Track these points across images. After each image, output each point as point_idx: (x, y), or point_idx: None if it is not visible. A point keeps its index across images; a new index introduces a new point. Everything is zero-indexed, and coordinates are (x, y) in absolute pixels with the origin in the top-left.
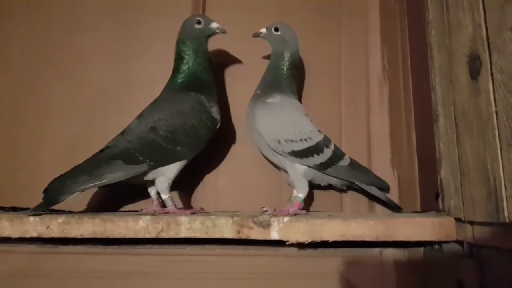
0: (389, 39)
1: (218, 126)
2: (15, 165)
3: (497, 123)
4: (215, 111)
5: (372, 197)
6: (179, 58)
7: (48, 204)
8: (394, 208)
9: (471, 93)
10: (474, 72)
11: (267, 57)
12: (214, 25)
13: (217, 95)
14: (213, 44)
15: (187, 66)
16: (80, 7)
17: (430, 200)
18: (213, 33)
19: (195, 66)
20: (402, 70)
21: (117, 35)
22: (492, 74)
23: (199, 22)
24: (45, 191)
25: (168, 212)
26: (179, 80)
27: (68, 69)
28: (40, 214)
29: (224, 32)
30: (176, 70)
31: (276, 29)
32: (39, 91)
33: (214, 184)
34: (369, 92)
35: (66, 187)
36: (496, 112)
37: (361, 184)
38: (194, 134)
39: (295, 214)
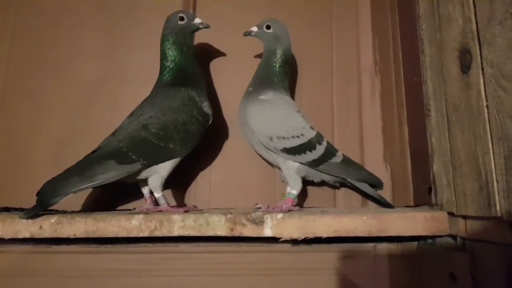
0: (380, 33)
1: (210, 122)
2: (6, 164)
3: (488, 117)
4: (206, 106)
5: (365, 195)
6: (164, 55)
7: (41, 206)
8: (386, 205)
9: (462, 87)
10: (465, 66)
11: (259, 53)
12: (197, 20)
13: (206, 90)
14: (204, 40)
15: (173, 63)
16: (70, 2)
17: (423, 194)
18: (196, 28)
19: (182, 61)
20: (393, 64)
21: (107, 31)
22: (482, 68)
23: (182, 19)
24: (38, 194)
25: (161, 211)
26: (168, 78)
27: (59, 66)
28: (33, 217)
29: (207, 27)
30: (163, 67)
31: (268, 27)
32: (30, 88)
33: (207, 182)
34: (361, 86)
35: (58, 189)
36: (487, 106)
37: (353, 181)
38: (185, 130)
39: (289, 211)
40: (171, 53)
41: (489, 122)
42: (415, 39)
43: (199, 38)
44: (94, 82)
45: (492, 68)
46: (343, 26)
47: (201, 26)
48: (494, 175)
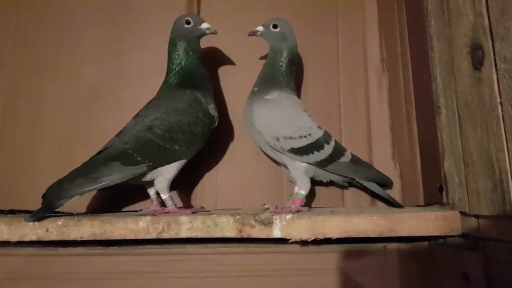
0: (387, 30)
1: (216, 123)
2: (11, 167)
3: (502, 114)
4: (212, 108)
5: (373, 194)
6: (171, 58)
7: (47, 209)
8: (395, 205)
9: (473, 83)
10: (477, 62)
11: (264, 53)
12: (204, 25)
13: (213, 92)
14: (208, 41)
15: (179, 66)
16: (71, 3)
17: (433, 193)
18: (203, 33)
19: (187, 65)
20: (401, 61)
21: (109, 32)
22: (495, 64)
23: (188, 22)
24: (43, 196)
25: (168, 212)
26: (174, 80)
27: (61, 68)
28: (39, 220)
29: (214, 33)
30: (169, 70)
31: (275, 26)
32: (32, 90)
33: (213, 182)
34: (368, 84)
35: (64, 192)
36: (500, 103)
37: (362, 181)
38: (191, 132)
39: (297, 211)
40: (177, 56)
41: (503, 118)
42: (424, 35)
43: (203, 39)
44: (97, 84)
45: (505, 64)
46: (349, 23)
47: (207, 32)
48: (509, 173)
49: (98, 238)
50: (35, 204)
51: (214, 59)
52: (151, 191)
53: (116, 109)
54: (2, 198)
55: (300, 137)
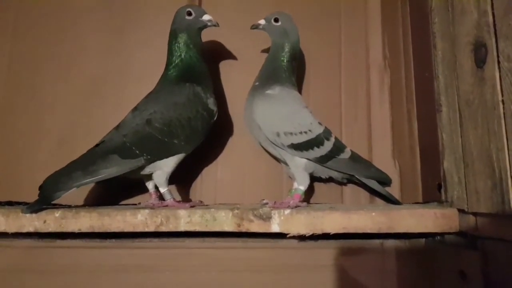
0: (390, 27)
1: (215, 118)
2: (10, 159)
3: (504, 113)
4: (211, 102)
5: (372, 191)
6: (171, 51)
7: (44, 201)
8: (394, 202)
9: (476, 82)
10: (480, 60)
11: (266, 48)
12: (206, 17)
13: (212, 87)
14: (210, 36)
15: (179, 58)
16: None
17: (432, 191)
18: (204, 25)
19: (187, 58)
20: (403, 59)
21: (111, 27)
22: (498, 62)
23: (189, 14)
24: (40, 188)
25: (167, 206)
26: (173, 73)
27: (62, 62)
28: (35, 212)
29: (216, 25)
30: (168, 62)
31: (276, 20)
32: (32, 85)
33: (213, 177)
34: (370, 82)
35: (61, 184)
36: (502, 101)
37: (361, 178)
38: (190, 126)
39: (296, 207)
40: (177, 49)
41: (504, 117)
42: (427, 33)
43: (204, 32)
44: (97, 79)
45: (509, 62)
46: (352, 20)
47: (209, 24)
48: (508, 173)
49: (96, 230)
50: (34, 196)
51: (215, 53)
52: (150, 185)
53: (117, 103)
54: (1, 189)
55: (301, 133)
